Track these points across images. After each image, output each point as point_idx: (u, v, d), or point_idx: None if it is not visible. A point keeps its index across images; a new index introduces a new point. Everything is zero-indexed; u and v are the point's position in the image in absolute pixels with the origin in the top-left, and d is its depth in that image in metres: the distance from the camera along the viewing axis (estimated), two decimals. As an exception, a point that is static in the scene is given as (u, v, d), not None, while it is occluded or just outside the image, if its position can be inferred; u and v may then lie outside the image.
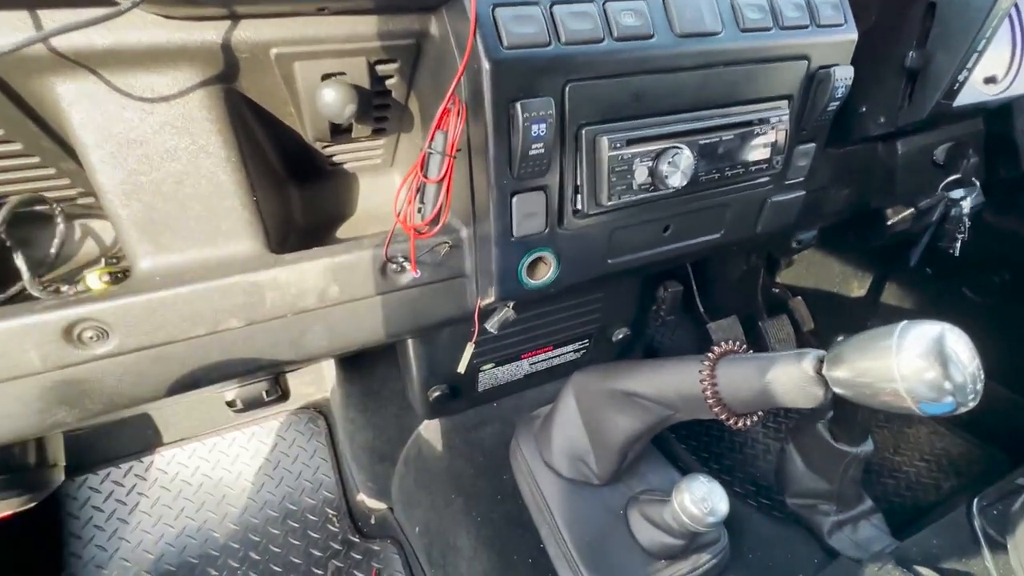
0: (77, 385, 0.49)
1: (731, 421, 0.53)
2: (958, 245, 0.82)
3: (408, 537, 1.11)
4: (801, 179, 0.68)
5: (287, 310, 0.54)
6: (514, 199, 0.50)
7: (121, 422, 1.19)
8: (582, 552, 0.76)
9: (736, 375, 0.53)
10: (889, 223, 0.87)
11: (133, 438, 1.21)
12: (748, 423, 0.53)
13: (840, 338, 0.50)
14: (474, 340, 0.61)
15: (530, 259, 0.55)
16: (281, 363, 0.58)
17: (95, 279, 0.50)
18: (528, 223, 0.52)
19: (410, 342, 0.87)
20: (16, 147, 0.47)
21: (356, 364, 1.13)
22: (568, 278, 0.58)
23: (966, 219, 0.80)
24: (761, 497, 1.20)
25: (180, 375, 0.53)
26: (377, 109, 0.57)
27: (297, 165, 0.65)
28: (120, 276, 0.52)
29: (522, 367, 1.02)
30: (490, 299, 0.58)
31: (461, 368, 0.63)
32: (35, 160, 0.49)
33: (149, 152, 0.46)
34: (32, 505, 0.63)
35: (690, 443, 1.33)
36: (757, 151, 0.57)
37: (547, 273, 0.57)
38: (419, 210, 0.49)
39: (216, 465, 1.25)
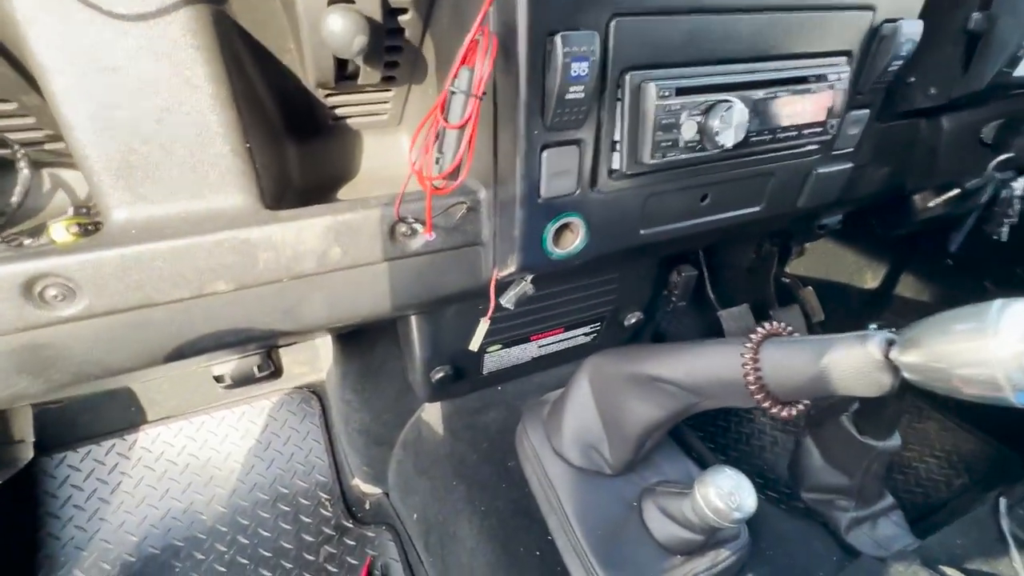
0: (40, 351, 0.43)
1: (775, 409, 0.48)
2: (1005, 230, 0.77)
3: (404, 524, 1.06)
4: (850, 150, 0.62)
5: (282, 274, 0.48)
6: (544, 154, 0.44)
7: (102, 397, 1.12)
8: (594, 545, 0.71)
9: (783, 359, 0.47)
10: (931, 204, 0.81)
11: (115, 415, 1.15)
12: (793, 412, 0.48)
13: (873, 326, 0.45)
14: (490, 316, 0.55)
15: (557, 225, 0.49)
16: (274, 334, 0.52)
17: (61, 231, 0.43)
18: (557, 183, 0.46)
19: (413, 319, 0.81)
20: (-33, 72, 0.40)
21: (355, 341, 1.07)
22: (597, 248, 0.53)
23: (1016, 202, 0.75)
24: (769, 490, 1.16)
25: (160, 344, 0.47)
26: (389, 52, 0.51)
27: (296, 117, 0.58)
28: (91, 229, 0.45)
29: (530, 350, 0.96)
30: (510, 269, 0.52)
31: (474, 345, 0.57)
32: (-9, 91, 0.43)
33: (124, 82, 0.40)
34: (-4, 484, 0.58)
35: (695, 433, 1.29)
36: (811, 112, 0.52)
37: (574, 242, 0.51)
38: (436, 161, 0.42)
39: (203, 445, 1.19)
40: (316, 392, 1.31)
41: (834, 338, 0.45)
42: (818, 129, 0.53)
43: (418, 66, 0.55)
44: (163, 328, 0.46)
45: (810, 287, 1.57)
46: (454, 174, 0.42)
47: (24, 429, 0.56)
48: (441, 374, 0.88)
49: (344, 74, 0.51)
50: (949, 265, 1.29)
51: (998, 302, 0.35)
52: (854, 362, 0.42)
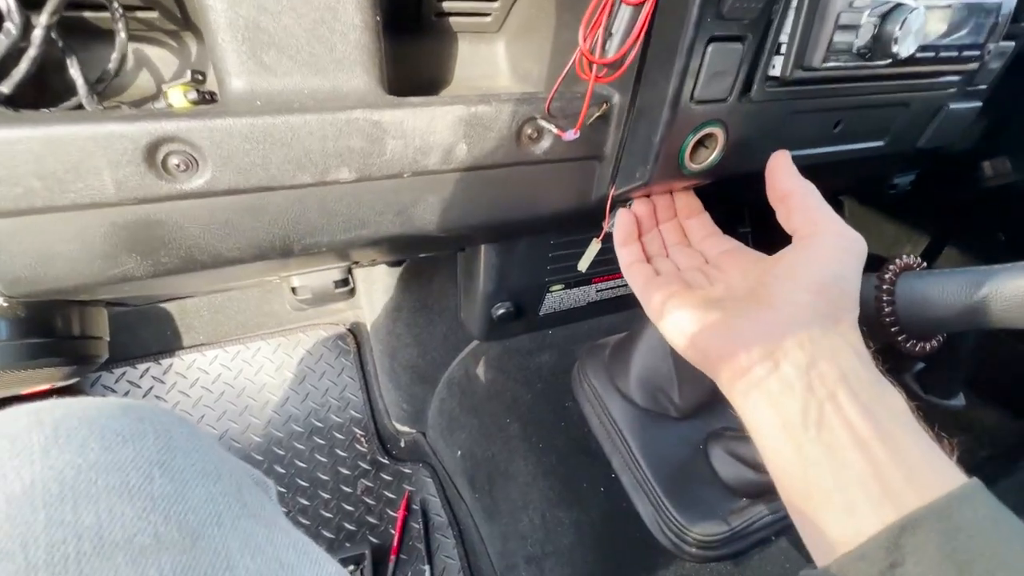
0: (154, 228, 0.39)
1: (909, 344, 0.46)
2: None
3: (443, 462, 1.06)
4: (984, 87, 0.58)
5: (405, 167, 0.44)
6: (710, 47, 0.40)
7: (141, 319, 1.09)
8: (663, 483, 0.71)
9: (923, 290, 0.45)
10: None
11: (150, 337, 1.12)
12: (928, 347, 0.46)
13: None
14: (602, 236, 0.53)
15: (699, 135, 0.46)
16: (380, 240, 0.49)
17: (179, 96, 0.39)
18: (714, 85, 0.42)
19: (483, 249, 0.78)
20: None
21: (415, 273, 1.04)
22: (729, 165, 0.49)
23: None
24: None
25: (273, 235, 0.44)
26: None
27: (401, 8, 0.54)
28: (207, 98, 0.41)
29: (589, 293, 0.94)
30: (635, 183, 0.49)
31: (583, 266, 0.55)
32: (100, -70, 0.38)
33: (264, -78, 0.35)
34: (75, 381, 0.55)
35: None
36: (974, 31, 0.48)
37: (709, 156, 0.48)
38: (604, 44, 0.39)
39: (238, 374, 1.18)
40: (351, 330, 1.29)
41: (993, 269, 0.42)
42: (974, 52, 0.49)
43: (543, -43, 0.50)
44: (278, 217, 0.43)
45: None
46: (619, 63, 0.38)
47: (102, 327, 0.53)
48: (502, 310, 0.86)
49: (470, -45, 0.46)
50: (1000, 240, 1.27)
51: None
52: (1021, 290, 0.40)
